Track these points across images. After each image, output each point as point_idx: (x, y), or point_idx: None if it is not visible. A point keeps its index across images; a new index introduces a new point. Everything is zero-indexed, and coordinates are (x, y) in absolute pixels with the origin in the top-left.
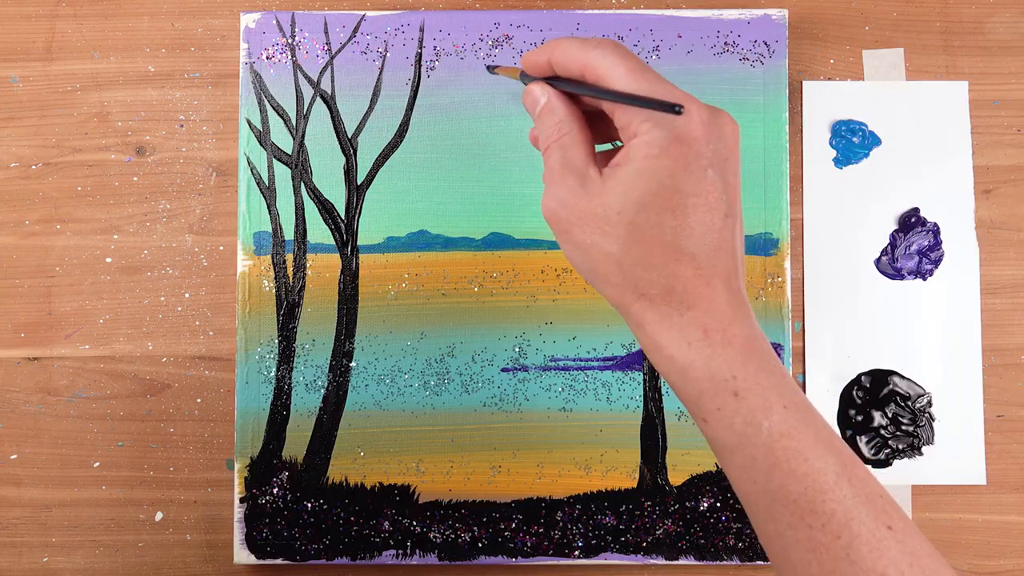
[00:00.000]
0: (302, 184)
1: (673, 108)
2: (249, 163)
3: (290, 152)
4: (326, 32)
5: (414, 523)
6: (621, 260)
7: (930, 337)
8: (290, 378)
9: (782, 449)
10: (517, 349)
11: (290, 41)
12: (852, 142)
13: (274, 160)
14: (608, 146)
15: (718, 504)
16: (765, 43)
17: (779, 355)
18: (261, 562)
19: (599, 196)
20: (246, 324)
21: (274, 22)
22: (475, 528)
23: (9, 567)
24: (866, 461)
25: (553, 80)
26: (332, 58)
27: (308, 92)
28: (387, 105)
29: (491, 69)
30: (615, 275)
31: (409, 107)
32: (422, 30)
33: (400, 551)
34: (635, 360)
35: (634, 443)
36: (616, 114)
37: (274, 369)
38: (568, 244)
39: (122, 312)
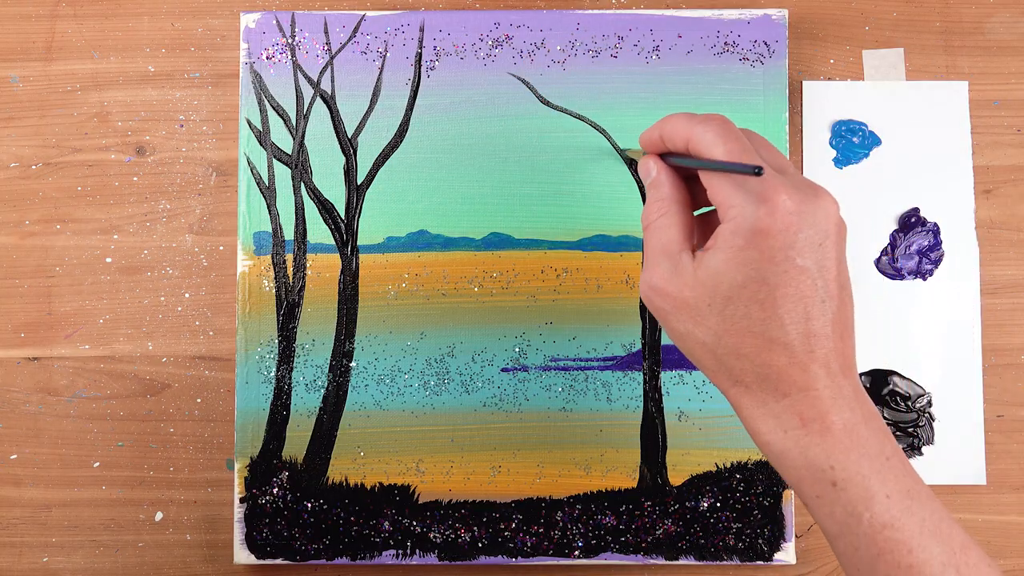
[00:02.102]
0: (302, 184)
1: (753, 170)
2: (249, 163)
3: (290, 152)
4: (326, 32)
5: (414, 523)
6: (714, 349)
7: (930, 337)
8: (290, 378)
9: (884, 540)
10: (517, 349)
11: (290, 41)
12: (852, 142)
13: (274, 160)
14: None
15: (718, 504)
16: (765, 43)
17: None
18: (261, 562)
19: (690, 287)
20: (246, 324)
21: (274, 22)
22: (475, 528)
23: (9, 567)
24: None
25: (665, 155)
26: (332, 58)
27: (308, 92)
28: (387, 105)
29: (624, 153)
30: (710, 362)
31: (409, 107)
32: (422, 30)
33: (400, 551)
34: (635, 360)
35: (634, 443)
36: (711, 192)
37: (274, 369)
38: (666, 328)
39: (122, 312)
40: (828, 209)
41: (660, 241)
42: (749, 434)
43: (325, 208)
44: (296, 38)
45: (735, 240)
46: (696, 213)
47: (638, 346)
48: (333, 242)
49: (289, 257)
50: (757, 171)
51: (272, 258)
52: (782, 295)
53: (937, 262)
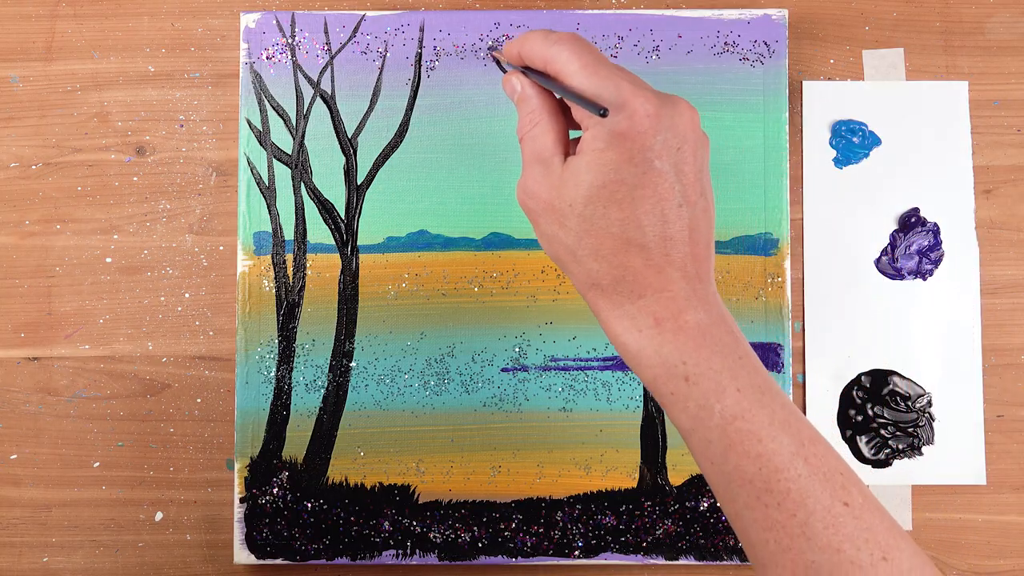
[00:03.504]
0: (302, 184)
1: (598, 111)
2: (249, 163)
3: (290, 152)
4: (326, 32)
5: (414, 523)
6: (575, 251)
7: (930, 337)
8: (290, 378)
9: (735, 431)
10: (517, 349)
11: (290, 41)
12: (852, 142)
13: (274, 160)
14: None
15: (718, 504)
16: (765, 43)
17: (778, 355)
18: (261, 562)
19: (556, 188)
20: (246, 324)
21: (274, 22)
22: (475, 528)
23: (9, 567)
24: (866, 461)
25: (527, 70)
26: (332, 58)
27: (308, 92)
28: (387, 105)
29: (491, 51)
30: (571, 264)
31: (409, 107)
32: (422, 30)
33: (400, 551)
34: None
35: (634, 443)
36: (572, 106)
37: (274, 369)
38: (537, 232)
39: (122, 312)
40: (685, 115)
41: (534, 149)
42: (608, 337)
43: (325, 208)
44: (296, 38)
45: (596, 144)
46: (572, 137)
47: None
48: (333, 242)
49: (289, 257)
50: (603, 112)
51: (272, 258)
52: (640, 196)
53: (937, 262)
